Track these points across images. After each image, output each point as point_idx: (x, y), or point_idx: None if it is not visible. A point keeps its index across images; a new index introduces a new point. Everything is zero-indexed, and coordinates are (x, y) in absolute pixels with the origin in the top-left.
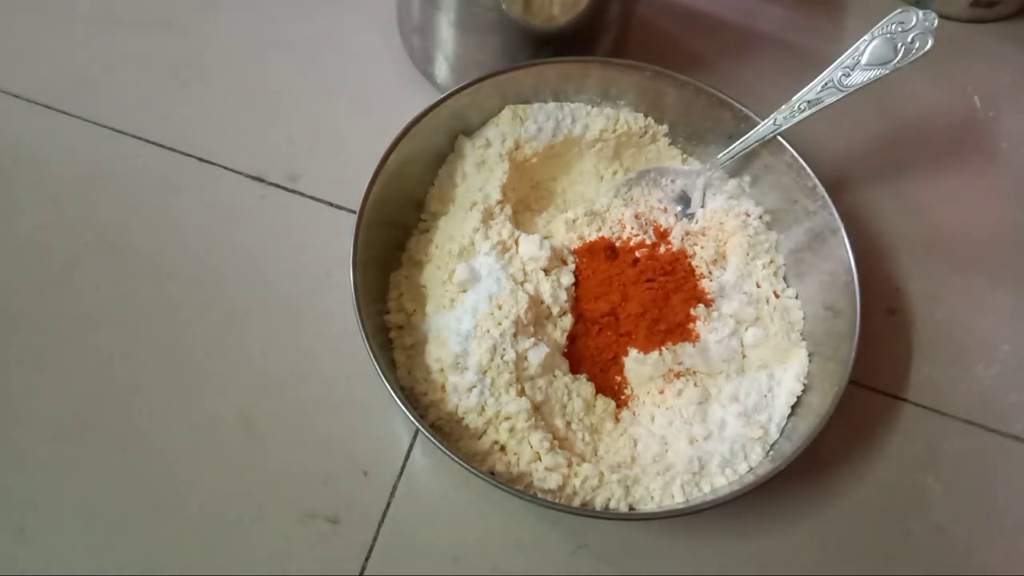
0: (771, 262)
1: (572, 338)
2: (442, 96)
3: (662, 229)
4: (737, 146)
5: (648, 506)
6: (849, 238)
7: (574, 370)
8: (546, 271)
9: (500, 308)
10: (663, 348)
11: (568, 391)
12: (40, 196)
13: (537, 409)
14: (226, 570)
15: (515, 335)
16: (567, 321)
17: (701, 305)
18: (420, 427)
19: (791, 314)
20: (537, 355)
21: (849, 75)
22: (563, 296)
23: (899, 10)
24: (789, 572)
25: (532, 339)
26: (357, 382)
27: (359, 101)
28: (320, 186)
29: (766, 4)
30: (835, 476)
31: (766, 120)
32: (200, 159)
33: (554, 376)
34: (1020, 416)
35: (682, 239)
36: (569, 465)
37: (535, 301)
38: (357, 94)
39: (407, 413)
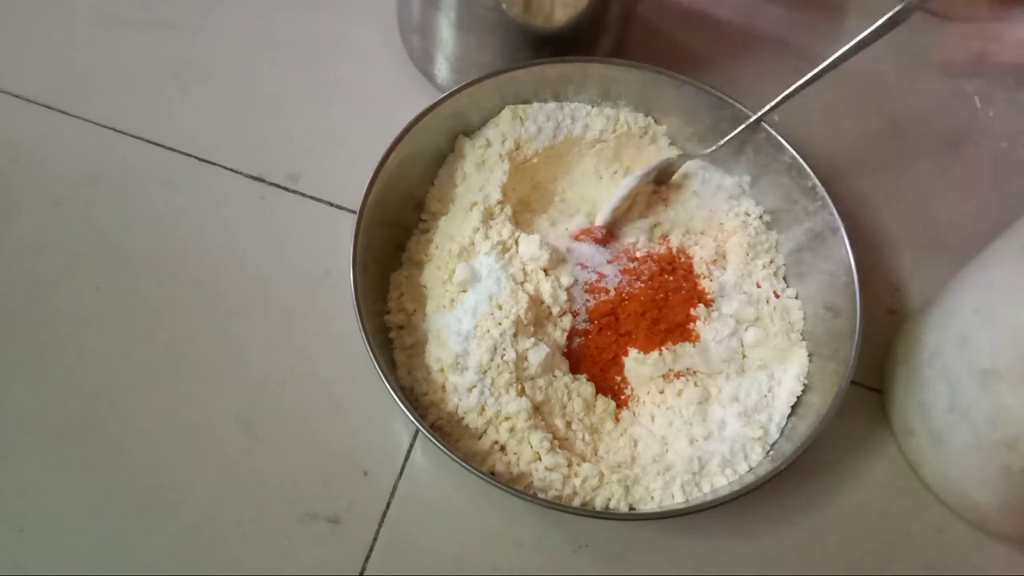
0: (771, 262)
1: (572, 338)
2: (442, 96)
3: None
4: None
5: (648, 506)
6: (849, 238)
7: (574, 370)
8: (546, 271)
9: (500, 308)
10: (663, 348)
11: (568, 391)
12: (40, 196)
13: (537, 409)
14: (226, 570)
15: (515, 335)
16: (567, 321)
17: (701, 305)
18: (420, 427)
19: (791, 314)
20: (537, 355)
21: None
22: (563, 296)
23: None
24: (789, 572)
25: (532, 339)
26: (357, 382)
27: (359, 101)
28: (320, 186)
29: (766, 4)
30: (835, 476)
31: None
32: (200, 159)
33: (554, 376)
34: None
35: (681, 238)
36: (569, 465)
37: (535, 301)
38: (357, 94)
39: (407, 413)
